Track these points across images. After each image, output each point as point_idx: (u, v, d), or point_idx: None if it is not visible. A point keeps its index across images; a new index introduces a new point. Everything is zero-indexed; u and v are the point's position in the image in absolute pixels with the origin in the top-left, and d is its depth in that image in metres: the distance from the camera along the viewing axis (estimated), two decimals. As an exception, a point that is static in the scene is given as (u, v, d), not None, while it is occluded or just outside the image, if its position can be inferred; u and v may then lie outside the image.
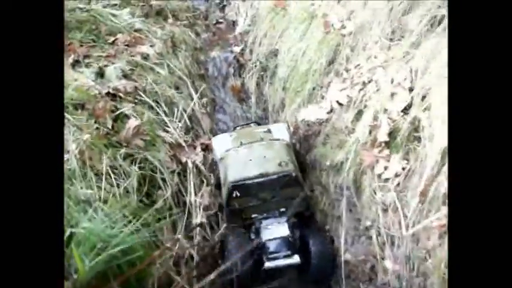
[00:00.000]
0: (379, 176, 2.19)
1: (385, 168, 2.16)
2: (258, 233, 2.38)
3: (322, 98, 2.82)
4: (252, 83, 3.70)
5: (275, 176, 2.35)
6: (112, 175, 2.25)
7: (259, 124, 3.00)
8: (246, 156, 2.48)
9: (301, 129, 2.88)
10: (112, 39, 3.51)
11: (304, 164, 2.71)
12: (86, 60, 3.18)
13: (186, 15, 4.67)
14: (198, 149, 2.84)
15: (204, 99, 3.57)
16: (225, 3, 5.09)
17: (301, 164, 2.60)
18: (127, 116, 2.70)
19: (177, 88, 3.36)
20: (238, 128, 2.96)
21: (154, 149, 2.61)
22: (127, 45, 3.52)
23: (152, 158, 2.52)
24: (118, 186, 2.24)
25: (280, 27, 3.58)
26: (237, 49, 4.04)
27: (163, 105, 3.06)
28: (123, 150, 2.43)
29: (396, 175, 2.11)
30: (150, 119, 2.79)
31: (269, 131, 2.69)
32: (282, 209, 2.40)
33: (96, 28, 3.57)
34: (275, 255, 2.29)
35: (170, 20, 4.32)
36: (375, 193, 2.20)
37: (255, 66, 3.73)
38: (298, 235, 2.38)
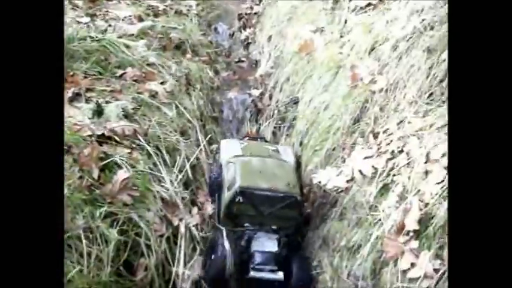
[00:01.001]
0: (404, 272, 1.76)
1: (412, 265, 1.74)
2: (249, 241, 2.38)
3: (343, 161, 2.44)
4: (268, 132, 3.37)
5: (281, 195, 2.37)
6: (84, 241, 1.88)
7: (266, 141, 3.05)
8: (257, 167, 2.51)
9: (316, 195, 2.49)
10: (120, 72, 3.22)
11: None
12: (88, 94, 2.88)
13: (207, 51, 4.40)
14: (195, 210, 2.47)
15: (214, 146, 3.22)
16: (250, 41, 4.85)
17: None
18: (118, 165, 2.35)
19: (183, 133, 3.01)
20: (246, 138, 3.01)
21: (142, 207, 2.24)
22: (135, 80, 3.22)
23: (138, 219, 2.15)
24: (89, 255, 1.87)
25: (303, 73, 3.26)
26: (256, 92, 3.76)
27: (164, 152, 2.71)
28: (104, 208, 2.06)
29: (426, 276, 1.68)
30: (144, 170, 2.42)
31: (277, 150, 2.70)
32: (274, 227, 2.41)
33: (105, 59, 3.29)
34: (261, 267, 2.30)
35: (189, 55, 4.05)
36: (397, 294, 1.77)
37: (273, 114, 3.40)
38: (285, 254, 2.38)
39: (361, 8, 3.11)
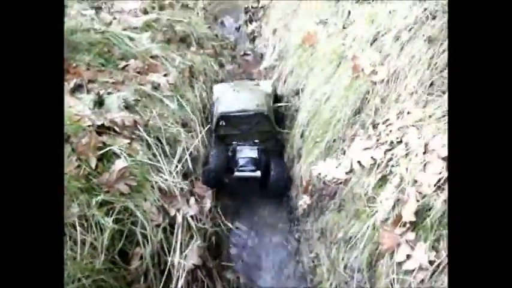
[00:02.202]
0: (400, 264, 1.72)
1: (408, 256, 1.70)
2: (234, 152, 3.08)
3: (343, 153, 2.39)
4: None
5: (252, 112, 3.05)
6: (79, 229, 1.87)
7: (252, 79, 3.86)
8: (234, 97, 3.18)
9: (315, 187, 2.45)
10: (123, 64, 3.21)
11: (283, 115, 3.36)
12: (90, 86, 2.87)
13: (212, 44, 4.37)
14: (193, 200, 2.44)
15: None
16: (255, 34, 4.81)
17: (278, 113, 3.30)
18: (116, 155, 2.34)
19: (184, 125, 2.99)
20: (236, 81, 3.81)
21: (139, 197, 2.22)
22: (138, 72, 3.21)
23: (135, 208, 2.13)
24: (84, 243, 1.85)
25: (307, 65, 3.20)
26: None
27: (164, 143, 2.69)
28: (100, 197, 2.05)
29: (421, 268, 1.64)
30: (143, 160, 2.40)
31: (258, 84, 3.42)
32: (256, 141, 3.10)
33: (109, 51, 3.28)
34: (243, 168, 3.02)
35: (193, 48, 4.02)
36: (392, 286, 1.73)
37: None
38: (264, 159, 3.06)
39: (365, -3, 3.05)
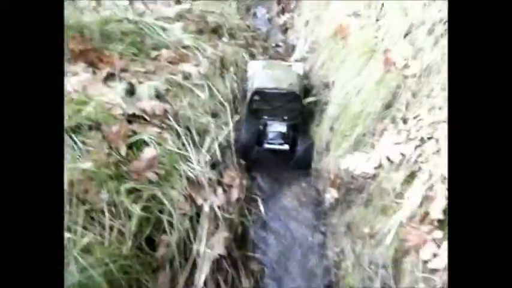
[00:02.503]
0: (425, 263, 1.69)
1: (434, 255, 1.67)
2: (265, 126, 3.29)
3: (373, 147, 2.37)
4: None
5: (284, 91, 3.19)
6: (107, 214, 1.91)
7: (285, 60, 3.99)
8: (270, 74, 3.33)
9: (343, 181, 2.44)
10: (155, 54, 3.24)
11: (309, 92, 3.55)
12: (122, 74, 2.91)
13: (244, 35, 4.37)
14: (220, 191, 2.46)
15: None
16: (288, 26, 4.78)
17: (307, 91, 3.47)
18: (146, 143, 2.37)
19: (214, 115, 3.01)
20: (269, 60, 4.04)
21: (167, 185, 2.25)
22: (170, 62, 3.23)
23: (162, 196, 2.16)
24: (111, 228, 1.89)
25: (338, 58, 3.17)
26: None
27: (194, 133, 2.71)
28: (129, 184, 2.08)
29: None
30: (172, 149, 2.43)
31: (290, 65, 3.57)
32: (285, 117, 3.27)
33: (141, 41, 3.31)
34: (273, 141, 3.27)
35: (225, 39, 4.03)
36: (417, 284, 1.70)
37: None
38: (292, 135, 3.27)
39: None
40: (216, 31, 4.09)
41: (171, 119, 2.64)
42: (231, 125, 3.03)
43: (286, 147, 3.25)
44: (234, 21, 4.37)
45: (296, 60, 3.92)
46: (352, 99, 2.69)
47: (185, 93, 2.98)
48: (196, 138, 2.70)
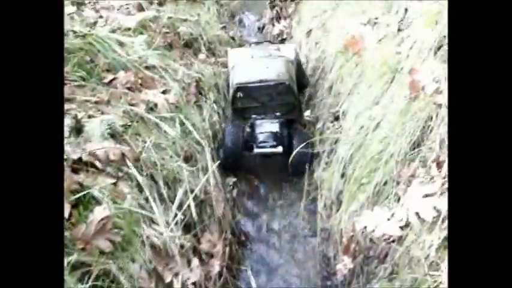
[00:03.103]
0: None
1: None
2: (253, 126, 3.59)
3: (397, 200, 2.38)
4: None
5: (272, 83, 3.50)
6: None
7: (271, 42, 4.32)
8: (252, 65, 3.65)
9: (360, 246, 2.44)
10: (110, 77, 3.27)
11: (305, 81, 3.98)
12: (66, 106, 2.92)
13: (227, 50, 4.44)
14: (196, 261, 2.45)
15: (230, 180, 3.24)
16: (284, 36, 4.87)
17: (301, 80, 3.83)
18: (96, 200, 2.37)
19: (188, 159, 3.02)
20: (253, 44, 4.26)
21: (125, 257, 2.23)
22: (129, 88, 3.27)
23: (118, 272, 2.14)
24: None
25: (350, 81, 3.22)
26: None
27: (160, 183, 2.72)
28: (73, 257, 2.07)
29: None
30: (131, 207, 2.43)
31: (278, 49, 3.86)
32: (277, 113, 3.59)
33: (91, 61, 3.35)
34: (263, 144, 3.53)
35: (202, 56, 4.09)
36: None
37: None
38: (286, 133, 3.57)
39: (426, -8, 3.07)
40: (190, 45, 4.17)
41: (130, 165, 2.65)
42: (210, 170, 3.03)
43: (279, 149, 3.52)
44: (214, 32, 4.45)
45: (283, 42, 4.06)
46: (368, 135, 2.72)
47: (149, 131, 3.01)
48: (165, 190, 2.70)
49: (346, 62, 3.35)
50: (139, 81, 3.33)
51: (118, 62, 3.40)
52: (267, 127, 3.54)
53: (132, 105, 3.08)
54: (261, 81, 3.48)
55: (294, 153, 3.37)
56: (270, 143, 3.49)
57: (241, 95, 3.52)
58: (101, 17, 3.96)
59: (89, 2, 4.17)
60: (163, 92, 3.35)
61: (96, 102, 3.01)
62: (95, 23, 3.84)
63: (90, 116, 2.85)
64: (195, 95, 3.58)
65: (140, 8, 4.22)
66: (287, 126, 3.58)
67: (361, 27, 3.33)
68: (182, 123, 3.18)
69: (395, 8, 3.23)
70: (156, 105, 3.19)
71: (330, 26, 3.97)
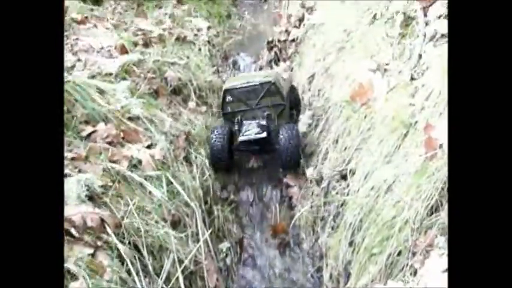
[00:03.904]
0: None
1: None
2: (240, 123, 4.11)
3: (414, 274, 2.37)
4: (305, 225, 3.35)
5: (258, 83, 4.06)
6: None
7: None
8: (241, 76, 4.45)
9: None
10: (89, 130, 3.27)
11: (297, 100, 4.53)
12: (38, 164, 2.93)
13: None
14: None
15: (224, 245, 3.21)
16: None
17: (291, 95, 4.36)
18: (72, 275, 2.35)
19: (176, 224, 3.01)
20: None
21: None
22: (110, 142, 3.27)
23: None
24: None
25: (358, 133, 3.24)
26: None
27: (145, 253, 2.70)
28: None
29: None
30: (110, 282, 2.41)
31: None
32: (266, 113, 4.11)
33: (68, 111, 3.36)
34: (248, 132, 3.97)
35: (192, 103, 4.12)
36: None
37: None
38: (273, 125, 4.10)
39: (443, 35, 3.11)
40: (178, 92, 4.19)
41: (110, 233, 2.64)
42: (201, 238, 3.02)
43: (264, 134, 3.96)
44: (205, 76, 4.49)
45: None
46: (380, 198, 2.72)
47: (132, 191, 3.00)
48: (150, 261, 2.69)
49: (353, 112, 3.36)
50: (122, 134, 3.33)
51: (98, 112, 3.40)
52: (253, 123, 4.03)
53: (113, 162, 3.08)
54: (247, 82, 4.06)
55: (282, 138, 3.87)
56: (254, 130, 3.95)
57: (230, 98, 4.08)
58: (79, 60, 3.97)
59: (67, 44, 4.18)
60: (148, 147, 3.35)
61: (72, 159, 3.00)
62: (73, 67, 3.85)
63: (66, 175, 2.85)
64: (184, 149, 3.58)
65: (123, 50, 4.23)
66: (275, 120, 4.11)
67: (369, 74, 3.36)
68: (169, 182, 3.17)
69: (407, 52, 3.27)
70: (140, 162, 3.18)
71: (334, 70, 4.01)
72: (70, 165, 2.94)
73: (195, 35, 5.23)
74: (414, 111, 2.83)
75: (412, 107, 2.87)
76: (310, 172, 3.55)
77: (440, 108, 2.68)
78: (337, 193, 3.25)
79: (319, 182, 3.41)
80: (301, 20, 5.40)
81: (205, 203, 3.43)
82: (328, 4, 4.78)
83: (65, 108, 3.34)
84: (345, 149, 3.36)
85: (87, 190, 2.81)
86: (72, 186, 2.81)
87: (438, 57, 2.96)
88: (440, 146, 2.54)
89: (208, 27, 5.52)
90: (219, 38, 5.64)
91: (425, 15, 3.34)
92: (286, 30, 5.36)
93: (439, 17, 3.23)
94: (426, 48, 3.10)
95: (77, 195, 2.77)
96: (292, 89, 4.44)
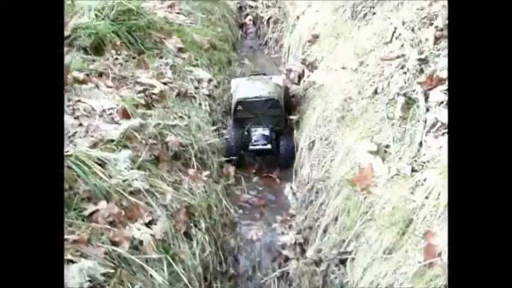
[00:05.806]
0: None
1: None
2: (249, 132, 5.15)
3: None
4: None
5: (264, 99, 5.10)
6: None
7: (265, 74, 5.70)
8: (250, 86, 5.27)
9: None
10: (90, 210, 3.25)
11: (291, 104, 5.67)
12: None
13: (221, 161, 4.54)
14: None
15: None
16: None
17: (287, 101, 5.50)
18: None
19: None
20: (251, 75, 5.70)
21: None
22: (111, 222, 3.24)
23: None
24: None
25: (357, 214, 3.26)
26: (287, 237, 3.76)
27: None
28: None
29: None
30: None
31: (271, 78, 5.47)
32: (268, 123, 5.14)
33: (70, 188, 3.34)
34: (257, 143, 5.10)
35: (192, 171, 4.09)
36: None
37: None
38: (275, 136, 5.17)
39: (443, 124, 3.12)
40: (179, 157, 4.15)
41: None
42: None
43: (269, 146, 5.09)
44: (206, 138, 4.52)
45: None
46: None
47: (134, 276, 2.99)
48: None
49: (353, 194, 3.37)
50: (123, 213, 3.28)
51: (99, 188, 3.34)
52: (260, 131, 5.12)
53: (114, 243, 3.04)
54: (256, 97, 5.13)
55: (281, 148, 5.15)
56: (261, 141, 5.09)
57: (241, 108, 5.13)
58: (80, 124, 3.92)
59: (68, 106, 4.09)
60: (149, 223, 3.32)
61: (74, 242, 2.96)
62: (74, 133, 3.80)
63: (68, 261, 2.81)
64: (185, 223, 3.56)
65: (125, 114, 4.15)
66: (275, 132, 5.20)
67: (370, 156, 3.38)
68: (169, 265, 3.16)
69: (407, 138, 3.29)
70: (141, 243, 3.16)
71: (334, 140, 4.04)
72: (71, 249, 2.90)
73: (196, 87, 5.25)
74: (414, 209, 2.84)
75: (412, 203, 2.87)
76: (310, 254, 3.55)
77: (440, 210, 2.70)
78: (335, 278, 3.27)
79: (318, 263, 3.42)
80: (300, 76, 6.01)
81: (205, 279, 3.42)
82: (328, 67, 4.92)
83: (67, 185, 3.28)
84: (344, 228, 3.38)
85: (90, 279, 2.78)
86: (75, 276, 2.80)
87: (438, 149, 2.98)
88: (439, 254, 2.55)
89: (209, 80, 5.59)
90: (219, 88, 5.70)
91: (426, 100, 3.36)
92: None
93: (440, 104, 3.25)
94: (427, 138, 3.12)
95: (79, 284, 2.75)
96: (286, 90, 5.54)
